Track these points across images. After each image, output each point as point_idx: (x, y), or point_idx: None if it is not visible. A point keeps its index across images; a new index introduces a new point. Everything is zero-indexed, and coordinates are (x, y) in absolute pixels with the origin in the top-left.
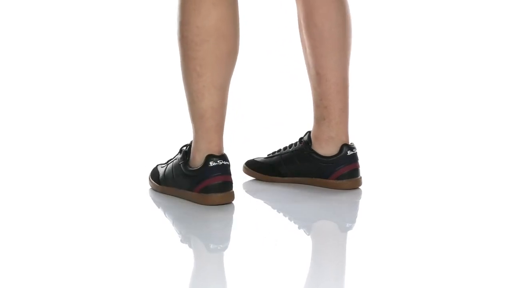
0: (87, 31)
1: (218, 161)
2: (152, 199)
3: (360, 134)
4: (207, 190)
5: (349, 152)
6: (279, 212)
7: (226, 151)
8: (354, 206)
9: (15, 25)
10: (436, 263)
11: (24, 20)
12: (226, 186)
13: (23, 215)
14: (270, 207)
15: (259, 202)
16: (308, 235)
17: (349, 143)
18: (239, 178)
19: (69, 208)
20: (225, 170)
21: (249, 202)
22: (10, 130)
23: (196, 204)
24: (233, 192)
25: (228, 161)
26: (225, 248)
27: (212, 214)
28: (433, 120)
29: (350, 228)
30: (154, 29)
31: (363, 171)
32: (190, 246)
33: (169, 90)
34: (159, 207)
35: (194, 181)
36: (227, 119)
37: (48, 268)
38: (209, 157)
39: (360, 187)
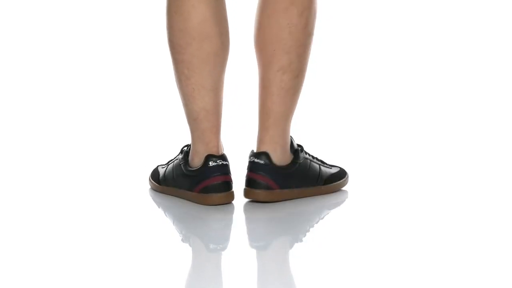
0: (87, 32)
1: (217, 161)
2: (152, 199)
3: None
4: (207, 190)
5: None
6: (279, 212)
7: (226, 151)
8: (356, 207)
9: (15, 25)
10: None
11: (24, 20)
12: (226, 186)
13: (24, 215)
14: (270, 207)
15: (259, 202)
16: (308, 235)
17: (256, 151)
18: (239, 178)
19: (69, 208)
20: (225, 170)
21: (249, 202)
22: (11, 130)
23: (196, 204)
24: (233, 192)
25: (227, 161)
26: (225, 248)
27: (212, 214)
28: (421, 122)
29: (351, 228)
30: (153, 30)
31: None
32: (190, 246)
33: (169, 90)
34: (159, 207)
35: (194, 181)
36: (227, 119)
37: (48, 268)
38: (209, 157)
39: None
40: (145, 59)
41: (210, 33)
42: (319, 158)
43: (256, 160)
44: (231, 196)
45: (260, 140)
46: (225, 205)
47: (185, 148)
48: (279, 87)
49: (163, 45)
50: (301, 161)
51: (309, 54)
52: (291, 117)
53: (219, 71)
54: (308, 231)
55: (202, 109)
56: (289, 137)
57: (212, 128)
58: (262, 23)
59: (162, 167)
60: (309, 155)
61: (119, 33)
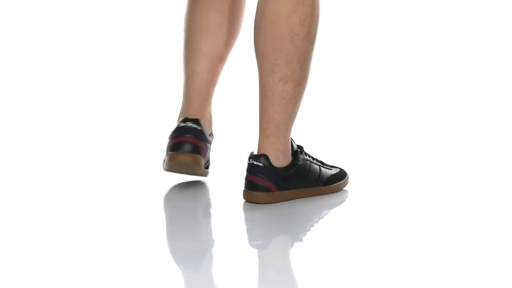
0: (86, 31)
1: (189, 123)
2: (153, 197)
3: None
4: (174, 147)
5: None
6: (279, 212)
7: (226, 151)
8: (356, 207)
9: (15, 25)
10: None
11: (24, 20)
12: (192, 147)
13: (21, 215)
14: (269, 206)
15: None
16: (308, 234)
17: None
18: (239, 177)
19: (69, 208)
20: (194, 132)
21: (247, 201)
22: (9, 130)
23: (195, 203)
24: (199, 157)
25: (200, 126)
26: (225, 247)
27: (211, 214)
28: (417, 124)
29: (351, 228)
30: (153, 30)
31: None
32: (189, 246)
33: (169, 91)
34: (159, 206)
35: (168, 143)
36: (228, 120)
37: (43, 268)
38: (183, 119)
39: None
40: (145, 59)
41: (218, 7)
42: (319, 159)
43: (255, 162)
44: (197, 161)
45: (261, 147)
46: (224, 205)
47: None
48: (281, 97)
49: (164, 46)
50: (301, 162)
51: (311, 60)
52: (293, 123)
53: (219, 42)
54: (308, 230)
55: (193, 71)
56: (290, 142)
57: (197, 90)
58: (263, 30)
59: None
60: (309, 156)
61: (121, 34)
